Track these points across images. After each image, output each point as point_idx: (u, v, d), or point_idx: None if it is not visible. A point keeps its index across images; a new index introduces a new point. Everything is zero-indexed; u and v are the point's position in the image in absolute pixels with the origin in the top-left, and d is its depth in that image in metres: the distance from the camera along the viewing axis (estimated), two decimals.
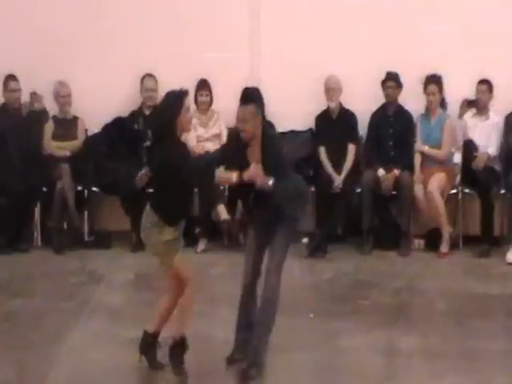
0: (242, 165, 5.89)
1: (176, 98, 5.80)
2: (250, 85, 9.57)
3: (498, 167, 9.36)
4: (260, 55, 9.81)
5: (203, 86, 9.67)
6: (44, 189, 9.46)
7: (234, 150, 6.07)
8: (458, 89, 9.48)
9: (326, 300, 7.77)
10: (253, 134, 5.95)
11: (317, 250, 9.04)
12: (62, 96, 9.66)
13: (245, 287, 6.18)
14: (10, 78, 9.58)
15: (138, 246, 8.59)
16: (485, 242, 9.12)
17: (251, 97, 6.19)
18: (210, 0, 9.86)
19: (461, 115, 9.62)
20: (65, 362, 6.24)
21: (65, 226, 9.39)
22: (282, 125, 9.63)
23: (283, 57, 9.69)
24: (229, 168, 5.95)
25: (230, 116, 9.58)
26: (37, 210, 9.50)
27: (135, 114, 9.70)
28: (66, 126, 9.69)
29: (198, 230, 9.38)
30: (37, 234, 9.52)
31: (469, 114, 9.53)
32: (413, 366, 6.24)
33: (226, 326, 6.43)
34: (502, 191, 9.23)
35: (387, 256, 9.06)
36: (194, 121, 9.60)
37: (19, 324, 7.10)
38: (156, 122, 6.09)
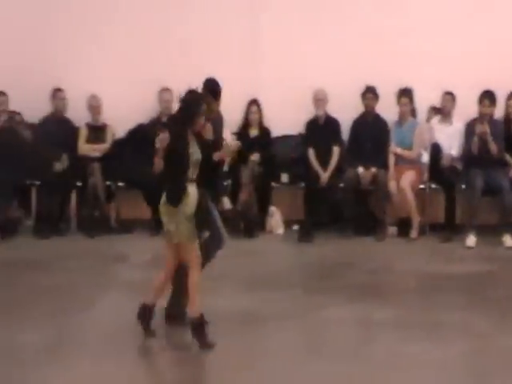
0: None
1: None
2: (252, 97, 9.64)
3: (459, 166, 9.26)
4: (261, 71, 9.73)
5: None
6: (79, 183, 9.40)
7: None
8: (425, 97, 9.42)
9: (313, 278, 7.72)
10: None
11: (306, 235, 8.98)
12: (94, 106, 9.63)
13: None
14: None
15: (156, 231, 8.57)
16: (448, 229, 9.04)
17: None
18: (216, 24, 9.75)
19: (428, 119, 9.55)
20: (96, 326, 6.24)
21: (95, 214, 9.32)
22: (277, 130, 9.64)
23: (279, 72, 9.59)
24: None
25: (235, 124, 9.71)
26: (73, 201, 9.45)
27: (154, 121, 9.63)
28: (97, 131, 9.65)
29: None
30: (73, 221, 9.48)
31: (435, 120, 9.48)
32: (385, 333, 6.17)
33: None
34: (463, 186, 9.15)
35: (365, 241, 8.98)
36: None
37: (59, 295, 7.07)
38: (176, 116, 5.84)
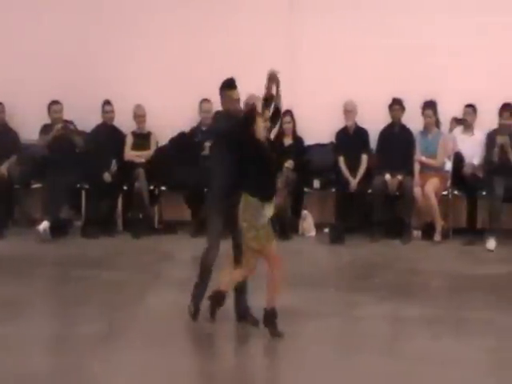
0: None
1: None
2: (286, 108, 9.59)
3: (480, 174, 9.23)
4: (295, 84, 9.72)
5: None
6: (125, 187, 9.48)
7: None
8: (449, 109, 9.42)
9: (345, 278, 7.75)
10: None
11: (337, 238, 9.00)
12: (139, 116, 9.69)
13: None
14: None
15: (197, 232, 8.64)
16: (470, 233, 9.04)
17: None
18: (254, 37, 9.71)
19: (450, 130, 9.55)
20: (142, 320, 6.29)
21: (140, 216, 9.39)
22: (310, 139, 9.65)
23: (312, 86, 9.58)
24: None
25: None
26: (119, 204, 9.53)
27: (195, 130, 9.70)
28: (142, 139, 9.73)
29: None
30: (119, 223, 9.53)
31: (458, 131, 9.47)
32: (414, 330, 6.20)
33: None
34: (484, 193, 9.13)
35: (392, 243, 8.97)
36: None
37: (109, 290, 7.13)
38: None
